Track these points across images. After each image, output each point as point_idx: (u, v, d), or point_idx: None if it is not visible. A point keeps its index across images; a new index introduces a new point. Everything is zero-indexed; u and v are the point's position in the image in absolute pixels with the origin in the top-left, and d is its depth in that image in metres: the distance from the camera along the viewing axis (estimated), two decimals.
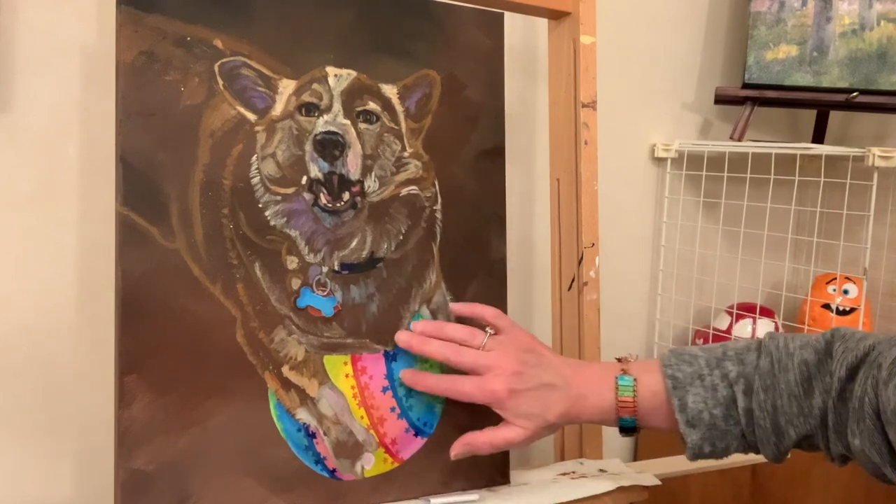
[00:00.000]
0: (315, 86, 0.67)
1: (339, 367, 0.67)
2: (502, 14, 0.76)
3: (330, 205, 0.67)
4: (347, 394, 0.67)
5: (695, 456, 0.64)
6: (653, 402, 0.65)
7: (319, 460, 0.66)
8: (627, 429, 0.66)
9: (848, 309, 1.14)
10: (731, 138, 1.13)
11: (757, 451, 0.64)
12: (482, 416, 0.72)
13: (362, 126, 0.68)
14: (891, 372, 0.54)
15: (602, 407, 0.66)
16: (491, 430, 0.67)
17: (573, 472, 0.77)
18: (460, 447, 0.67)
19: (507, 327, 0.70)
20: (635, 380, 0.65)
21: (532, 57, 1.04)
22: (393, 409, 0.69)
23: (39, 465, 0.79)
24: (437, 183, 0.72)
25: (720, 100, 1.15)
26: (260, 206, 0.64)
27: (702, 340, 1.16)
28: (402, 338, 0.69)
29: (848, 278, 1.15)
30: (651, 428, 0.67)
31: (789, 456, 0.64)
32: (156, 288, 0.60)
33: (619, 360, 0.68)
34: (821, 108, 1.15)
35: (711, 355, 0.65)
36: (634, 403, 0.65)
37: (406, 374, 0.69)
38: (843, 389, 0.59)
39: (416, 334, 0.69)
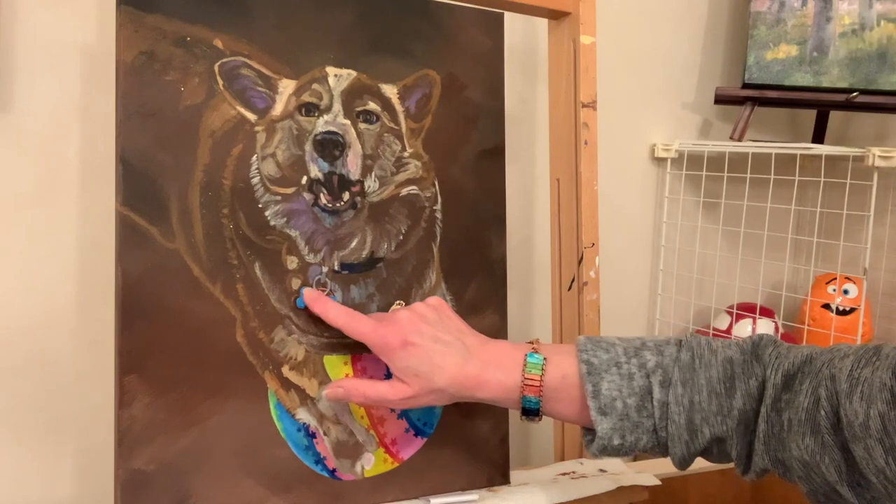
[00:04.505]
0: (315, 86, 0.67)
1: (339, 367, 0.67)
2: (502, 14, 0.76)
3: (330, 205, 0.67)
4: None
5: (602, 449, 0.61)
6: (561, 384, 0.61)
7: (319, 460, 0.66)
8: (529, 411, 0.62)
9: (848, 309, 1.14)
10: (731, 138, 1.13)
11: (665, 452, 0.61)
12: (483, 414, 0.72)
13: (362, 126, 0.68)
14: (851, 384, 0.51)
15: (505, 384, 0.62)
16: (371, 382, 0.64)
17: (573, 472, 0.77)
18: (333, 388, 0.65)
19: None
20: (545, 359, 0.62)
21: (532, 57, 1.04)
22: (393, 409, 0.69)
23: (39, 465, 0.79)
24: (437, 183, 0.72)
25: (720, 100, 1.15)
26: (260, 206, 0.64)
27: None
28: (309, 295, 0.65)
29: (848, 278, 1.15)
30: (554, 415, 0.63)
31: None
32: (156, 288, 0.60)
33: (530, 342, 0.65)
34: (821, 108, 1.15)
35: (630, 345, 0.62)
36: (541, 383, 0.61)
37: (309, 294, 0.65)
38: (777, 399, 0.56)
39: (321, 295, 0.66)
